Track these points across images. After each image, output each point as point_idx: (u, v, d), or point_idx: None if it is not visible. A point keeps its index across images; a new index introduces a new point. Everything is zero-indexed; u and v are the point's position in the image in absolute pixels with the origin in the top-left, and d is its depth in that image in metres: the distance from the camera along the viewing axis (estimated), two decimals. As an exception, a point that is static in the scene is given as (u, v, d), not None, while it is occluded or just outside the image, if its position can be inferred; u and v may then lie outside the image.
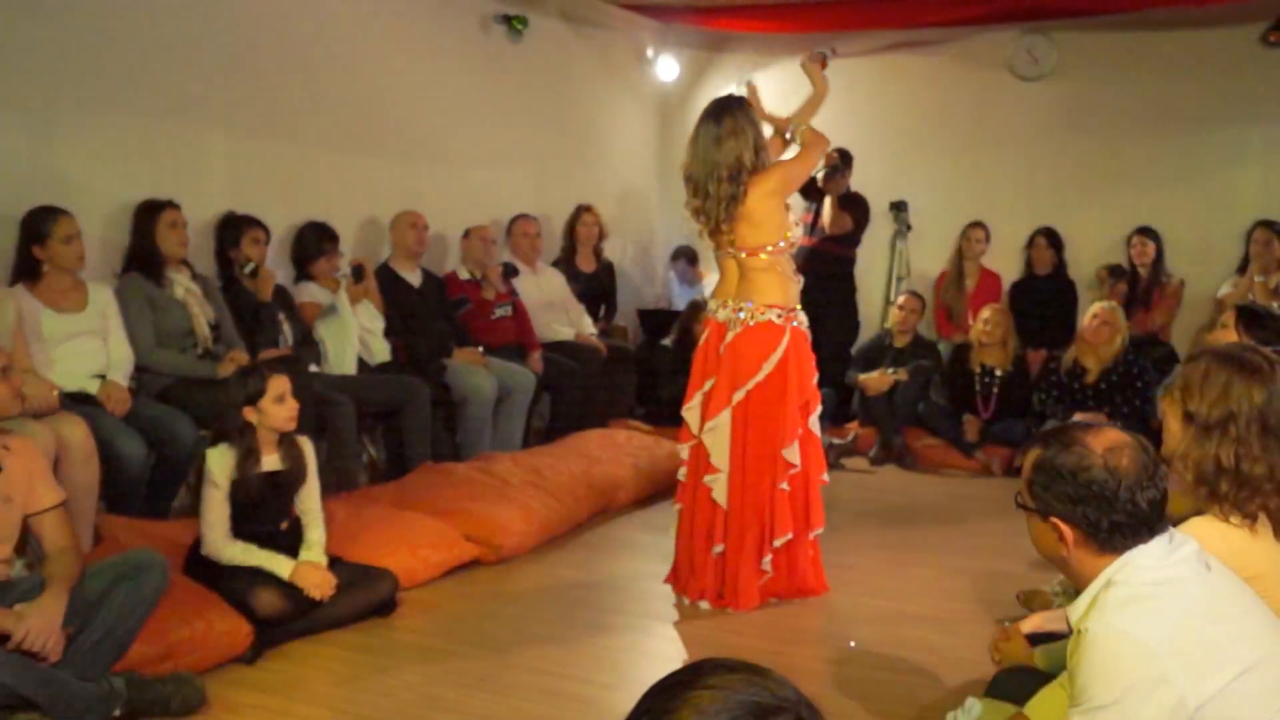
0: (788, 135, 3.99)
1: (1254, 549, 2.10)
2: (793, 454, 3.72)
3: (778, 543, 3.75)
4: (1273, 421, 2.19)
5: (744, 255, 3.76)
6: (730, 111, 3.76)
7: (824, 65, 4.04)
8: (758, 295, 3.74)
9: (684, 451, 3.93)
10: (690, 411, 3.87)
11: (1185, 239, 6.73)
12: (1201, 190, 6.83)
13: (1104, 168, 7.08)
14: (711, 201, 3.73)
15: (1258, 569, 2.02)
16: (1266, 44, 6.60)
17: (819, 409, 3.91)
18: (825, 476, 3.94)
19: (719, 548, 3.80)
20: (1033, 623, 2.72)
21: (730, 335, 3.77)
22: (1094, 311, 5.91)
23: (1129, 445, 1.84)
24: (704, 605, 3.83)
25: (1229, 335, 3.33)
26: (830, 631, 3.65)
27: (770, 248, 3.74)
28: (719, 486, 3.77)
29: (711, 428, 3.77)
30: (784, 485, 3.75)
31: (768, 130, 3.96)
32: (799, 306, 3.83)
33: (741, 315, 3.75)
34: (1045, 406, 5.93)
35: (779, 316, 3.74)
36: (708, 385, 3.82)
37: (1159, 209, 6.81)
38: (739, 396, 3.72)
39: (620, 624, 3.72)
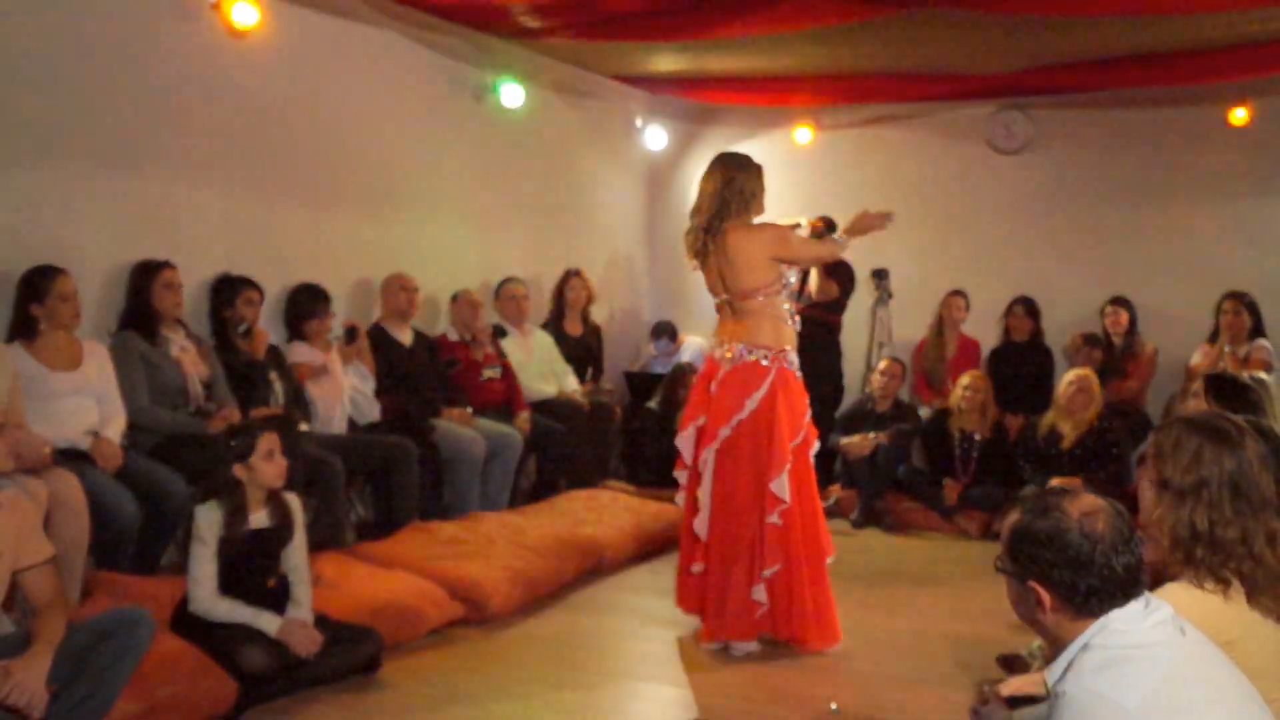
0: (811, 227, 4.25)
1: (1228, 615, 2.13)
2: (780, 488, 3.80)
3: (767, 573, 3.82)
4: (1244, 486, 2.24)
5: (736, 300, 3.92)
6: (735, 160, 4.00)
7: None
8: (749, 336, 3.90)
9: (681, 477, 4.08)
10: (684, 441, 4.03)
11: (1158, 309, 6.89)
12: (1173, 261, 7.02)
13: (1079, 238, 7.26)
14: (703, 218, 3.94)
15: (1231, 635, 2.05)
16: (1232, 124, 6.83)
17: (816, 444, 4.01)
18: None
19: (698, 566, 3.95)
20: (1011, 686, 2.74)
21: (721, 373, 3.93)
22: (1069, 379, 6.02)
23: (1105, 510, 1.88)
24: (693, 621, 4.00)
25: (1199, 404, 3.41)
26: (812, 693, 3.66)
27: (760, 293, 3.88)
28: (700, 521, 3.92)
29: (703, 459, 3.92)
30: (774, 519, 3.83)
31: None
32: (790, 347, 3.95)
33: (732, 355, 3.91)
34: (1023, 472, 6.01)
35: (766, 358, 3.87)
36: (700, 420, 3.98)
37: (1132, 279, 6.98)
38: (725, 433, 3.87)
39: (604, 684, 3.73)
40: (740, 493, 3.86)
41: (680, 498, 4.11)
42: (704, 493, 3.90)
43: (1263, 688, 1.92)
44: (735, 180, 3.90)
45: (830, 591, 4.00)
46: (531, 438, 5.84)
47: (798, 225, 4.58)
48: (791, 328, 3.98)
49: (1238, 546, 2.20)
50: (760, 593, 3.85)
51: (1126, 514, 1.92)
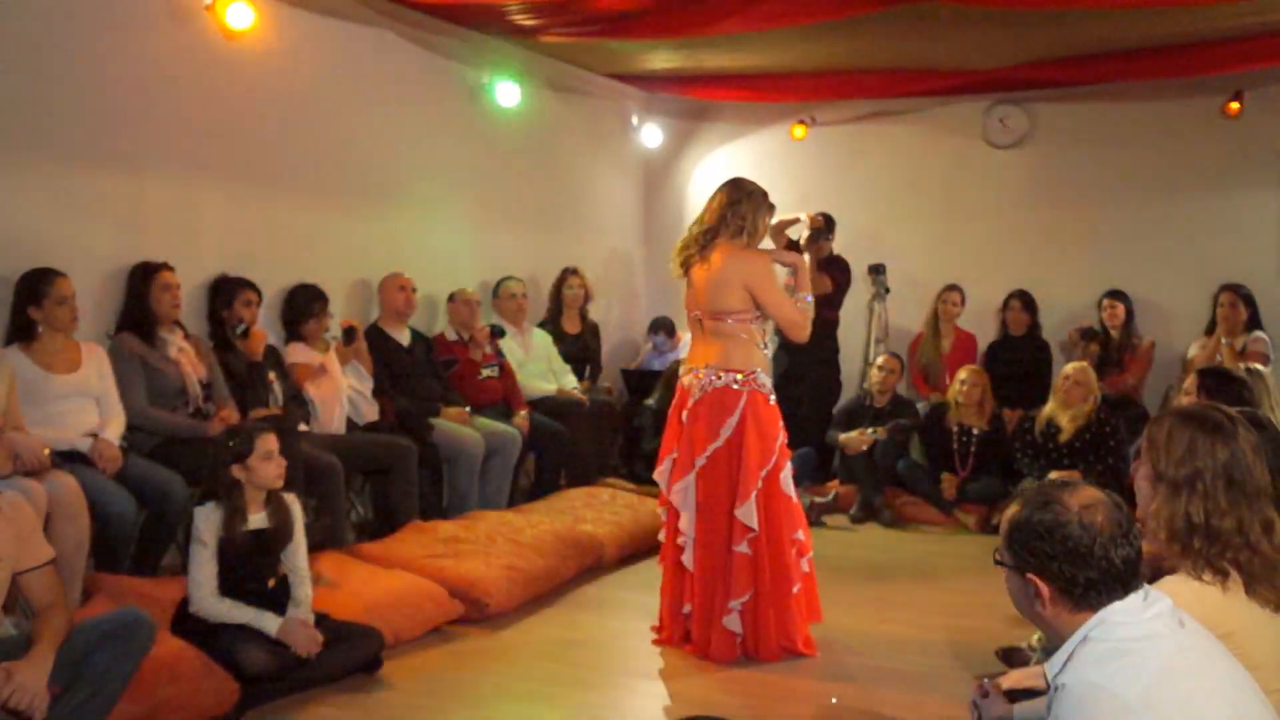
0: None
1: (1226, 607, 2.14)
2: (747, 515, 3.76)
3: (734, 604, 3.79)
4: (1238, 476, 2.25)
5: (710, 320, 3.88)
6: (748, 187, 3.94)
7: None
8: (719, 360, 3.86)
9: (663, 513, 4.05)
10: (661, 475, 3.99)
11: (1154, 302, 6.91)
12: (1169, 254, 7.04)
13: (1075, 232, 7.28)
14: (702, 229, 3.91)
15: (1230, 626, 2.06)
16: (1225, 116, 6.85)
17: (788, 467, 3.93)
18: (799, 535, 3.93)
19: (687, 608, 3.91)
20: (1011, 679, 2.75)
21: (691, 401, 3.89)
22: (1066, 373, 6.05)
23: (1104, 503, 1.89)
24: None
25: (1193, 401, 3.43)
26: (812, 688, 3.68)
27: (734, 316, 3.85)
28: (687, 551, 3.87)
29: (679, 490, 3.88)
30: (741, 547, 3.78)
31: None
32: (761, 369, 3.89)
33: (702, 381, 3.87)
34: (1021, 465, 6.02)
35: (737, 382, 3.83)
36: (675, 453, 3.94)
37: (1129, 272, 7.00)
38: (701, 462, 3.83)
39: (604, 682, 3.75)
40: (719, 522, 3.82)
41: (661, 533, 4.07)
42: (686, 524, 3.87)
43: (1262, 679, 1.93)
44: (740, 205, 3.87)
45: (797, 616, 3.91)
46: (530, 436, 5.84)
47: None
48: (764, 352, 3.93)
49: (1234, 536, 2.21)
50: (734, 622, 3.81)
51: (1125, 506, 1.92)
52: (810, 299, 3.98)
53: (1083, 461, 5.84)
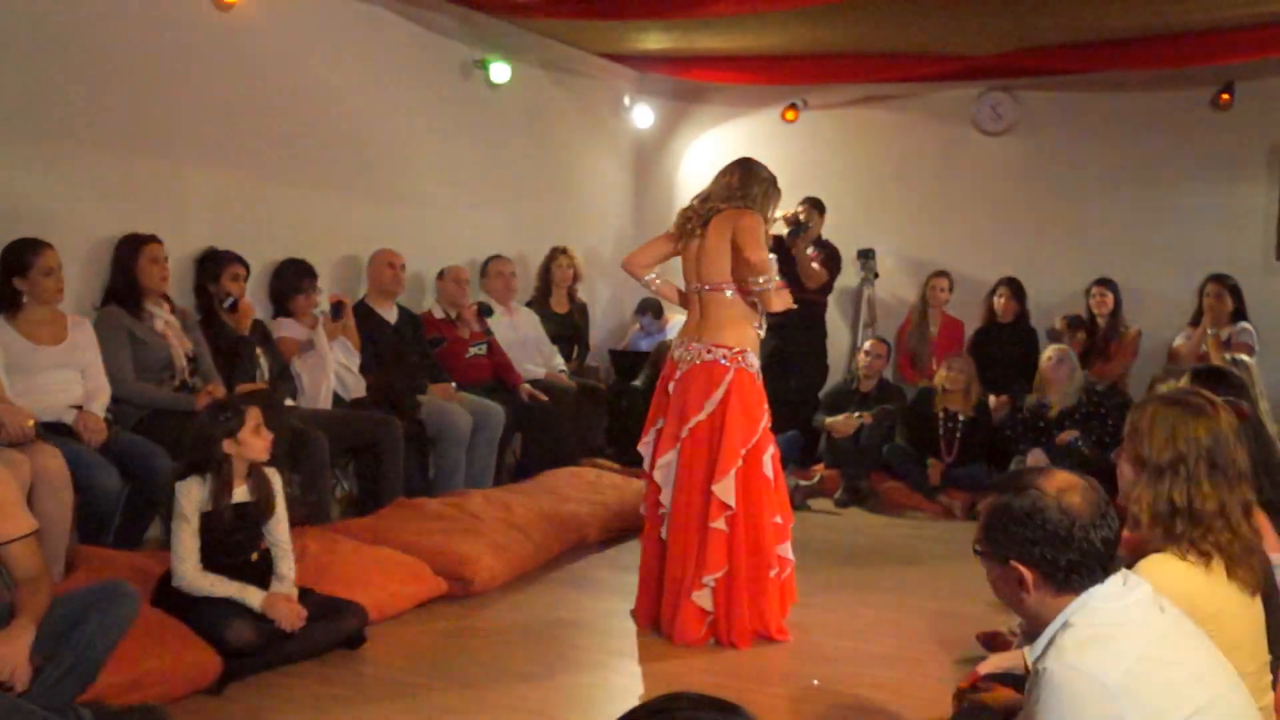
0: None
1: (1210, 588, 2.16)
2: (725, 492, 3.74)
3: (707, 579, 3.78)
4: (1219, 459, 2.27)
5: (706, 289, 3.87)
6: (760, 172, 3.93)
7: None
8: (709, 334, 3.85)
9: (646, 487, 4.04)
10: (644, 447, 3.99)
11: (1142, 291, 6.95)
12: (1156, 244, 7.07)
13: (1065, 220, 7.31)
14: (707, 202, 3.89)
15: (1214, 608, 2.08)
16: (1216, 107, 6.88)
17: (771, 449, 3.91)
18: (778, 519, 3.90)
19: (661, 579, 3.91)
20: (991, 663, 2.77)
21: (678, 374, 3.89)
22: (1048, 354, 6.10)
23: (1080, 486, 1.90)
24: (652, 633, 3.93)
25: None
26: (794, 670, 3.69)
27: (729, 286, 3.84)
28: (665, 524, 3.88)
29: (662, 465, 3.88)
30: (718, 524, 3.76)
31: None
32: (751, 349, 3.89)
33: (690, 355, 3.86)
34: (1015, 446, 6.05)
35: (725, 357, 3.81)
36: (659, 424, 3.93)
37: (1117, 261, 7.03)
38: (683, 434, 3.83)
39: (588, 660, 3.76)
40: (697, 497, 3.81)
41: (643, 506, 4.07)
42: (666, 498, 3.86)
43: (1239, 660, 1.96)
44: (750, 188, 3.86)
45: (773, 600, 3.88)
46: (517, 416, 5.84)
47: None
48: (755, 332, 3.91)
49: (1216, 519, 2.23)
50: (704, 599, 3.79)
51: (1101, 489, 1.93)
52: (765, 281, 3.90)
53: (1078, 430, 5.89)
